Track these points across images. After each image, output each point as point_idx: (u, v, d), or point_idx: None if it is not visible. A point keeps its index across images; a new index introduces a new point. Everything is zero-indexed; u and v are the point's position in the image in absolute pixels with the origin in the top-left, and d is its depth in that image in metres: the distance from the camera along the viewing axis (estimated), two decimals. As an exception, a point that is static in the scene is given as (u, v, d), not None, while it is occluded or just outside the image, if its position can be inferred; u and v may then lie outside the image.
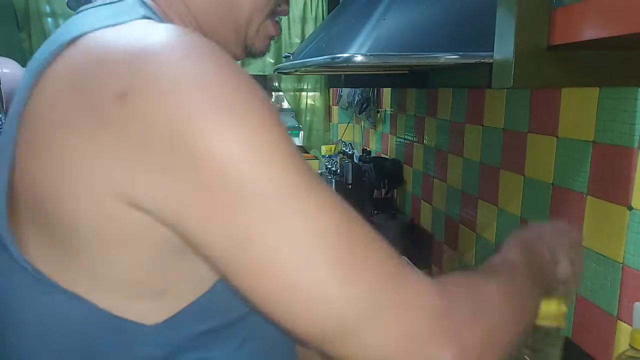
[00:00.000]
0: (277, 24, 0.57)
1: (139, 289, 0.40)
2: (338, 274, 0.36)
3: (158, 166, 0.35)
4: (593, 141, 0.84)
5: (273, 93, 2.97)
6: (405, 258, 1.47)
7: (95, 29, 0.40)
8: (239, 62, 0.54)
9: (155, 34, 0.38)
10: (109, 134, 0.35)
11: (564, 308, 0.59)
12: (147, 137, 0.35)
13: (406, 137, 1.78)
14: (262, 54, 0.57)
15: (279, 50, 2.56)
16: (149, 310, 0.41)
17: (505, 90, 1.10)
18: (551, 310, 0.58)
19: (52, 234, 0.40)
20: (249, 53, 0.56)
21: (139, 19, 0.41)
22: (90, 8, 0.45)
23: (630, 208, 0.76)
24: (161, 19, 0.46)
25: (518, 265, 0.51)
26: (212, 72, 0.36)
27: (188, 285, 0.42)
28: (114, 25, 0.40)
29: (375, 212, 1.75)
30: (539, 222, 0.63)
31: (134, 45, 0.37)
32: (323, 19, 2.54)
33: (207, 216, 0.36)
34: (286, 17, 2.53)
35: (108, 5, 0.44)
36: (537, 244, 0.56)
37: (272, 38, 0.57)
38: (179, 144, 0.34)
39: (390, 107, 1.96)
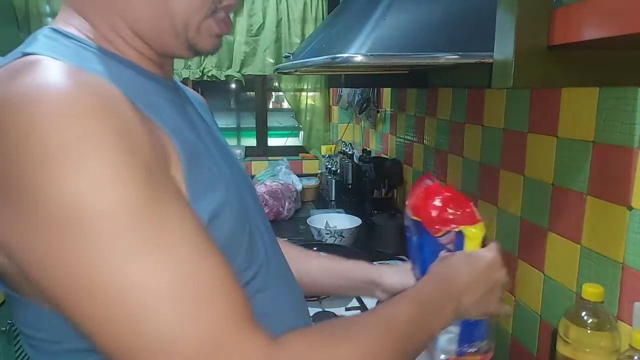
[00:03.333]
0: (225, 21, 0.55)
1: None
2: (178, 314, 0.39)
3: None
4: (593, 141, 0.84)
5: (273, 93, 2.98)
6: (405, 258, 1.47)
7: None
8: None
9: (19, 70, 0.41)
10: None
11: None
12: None
13: (406, 137, 1.78)
14: (210, 52, 0.57)
15: (279, 50, 2.56)
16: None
17: (505, 90, 1.10)
18: None
19: None
20: (196, 52, 0.56)
21: (17, 58, 0.44)
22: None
23: (630, 208, 0.76)
24: (77, 44, 0.49)
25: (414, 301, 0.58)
26: (59, 114, 0.38)
27: None
28: None
29: (375, 212, 1.75)
30: (462, 257, 0.65)
31: None
32: (323, 19, 2.54)
33: (44, 253, 0.38)
34: (286, 17, 2.53)
35: (25, 42, 0.49)
36: (450, 280, 0.61)
37: (219, 36, 0.56)
38: (9, 184, 0.37)
39: (390, 107, 1.96)
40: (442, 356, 0.65)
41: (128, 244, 0.38)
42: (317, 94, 2.74)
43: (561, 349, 0.73)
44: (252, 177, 2.50)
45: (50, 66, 0.42)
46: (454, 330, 0.64)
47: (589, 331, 0.70)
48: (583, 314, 0.71)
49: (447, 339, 0.64)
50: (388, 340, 0.52)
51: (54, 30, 0.50)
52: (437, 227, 0.67)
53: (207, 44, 0.55)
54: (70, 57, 0.45)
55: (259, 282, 0.57)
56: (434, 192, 0.69)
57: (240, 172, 0.64)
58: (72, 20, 0.52)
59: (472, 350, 0.65)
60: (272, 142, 2.92)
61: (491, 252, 0.66)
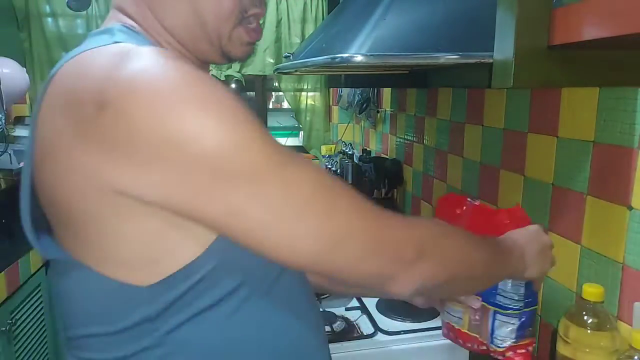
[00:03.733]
0: (254, 29, 0.60)
1: (138, 259, 0.49)
2: (316, 212, 0.47)
3: (139, 160, 0.43)
4: (593, 141, 0.84)
5: (273, 93, 2.98)
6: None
7: (79, 53, 0.48)
8: (237, 63, 0.56)
9: (126, 56, 0.45)
10: (93, 139, 0.44)
11: None
12: (127, 137, 0.43)
13: (406, 137, 1.78)
14: (241, 59, 0.62)
15: (279, 50, 2.56)
16: (145, 274, 0.49)
17: (505, 90, 1.10)
18: None
19: (68, 228, 0.50)
20: (229, 59, 0.60)
21: (109, 44, 0.49)
22: (93, 34, 0.54)
23: (630, 208, 0.76)
24: (144, 39, 0.55)
25: (489, 242, 0.66)
26: (179, 80, 0.44)
27: (177, 254, 0.49)
28: (90, 49, 0.48)
29: (375, 212, 1.74)
30: (515, 230, 0.72)
31: (105, 65, 0.45)
32: (323, 19, 2.54)
33: (195, 193, 0.44)
34: (286, 17, 2.54)
35: (100, 32, 0.53)
36: (509, 244, 0.68)
37: (251, 43, 0.61)
38: (159, 140, 0.42)
39: (390, 107, 1.96)
40: (505, 343, 0.74)
41: (281, 159, 0.47)
42: (317, 94, 2.74)
43: (561, 348, 0.73)
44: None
45: (150, 52, 0.46)
46: (514, 321, 0.73)
47: (589, 331, 0.70)
48: (583, 314, 0.71)
49: (509, 330, 0.74)
50: (476, 256, 0.61)
51: (125, 26, 0.55)
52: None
53: (238, 51, 0.59)
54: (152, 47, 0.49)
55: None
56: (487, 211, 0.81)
57: None
58: (127, 22, 0.56)
59: (526, 334, 0.75)
60: (272, 142, 2.92)
61: (535, 225, 0.74)
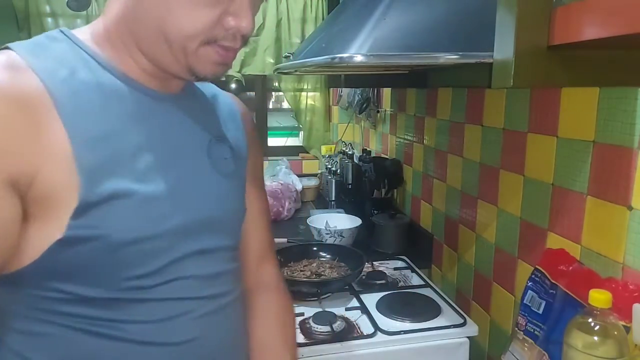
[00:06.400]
0: (224, 49, 0.58)
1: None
2: None
3: None
4: (593, 141, 0.84)
5: (273, 93, 2.97)
6: (405, 258, 1.47)
7: None
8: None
9: None
10: None
11: None
12: None
13: (406, 137, 1.78)
14: (208, 78, 0.61)
15: (279, 50, 2.56)
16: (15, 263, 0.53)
17: (505, 90, 1.10)
18: None
19: None
20: (196, 77, 0.60)
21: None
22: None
23: (630, 208, 0.76)
24: (80, 44, 0.58)
25: None
26: None
27: (27, 247, 0.52)
28: None
29: (375, 212, 1.75)
30: None
31: None
32: (323, 19, 2.54)
33: None
34: (286, 17, 2.53)
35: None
36: None
37: (222, 64, 0.59)
38: None
39: (390, 107, 1.96)
40: None
41: None
42: (317, 94, 2.74)
43: (567, 354, 0.72)
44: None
45: None
46: None
47: (596, 338, 0.69)
48: (590, 320, 0.69)
49: None
50: None
51: (60, 31, 0.58)
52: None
53: (205, 69, 0.59)
54: (31, 53, 0.54)
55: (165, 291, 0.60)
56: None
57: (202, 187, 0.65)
58: (95, 25, 0.60)
59: None
60: (272, 142, 2.92)
61: None
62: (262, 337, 0.77)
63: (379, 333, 1.06)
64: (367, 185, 1.90)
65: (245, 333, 0.74)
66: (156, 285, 0.58)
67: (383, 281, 1.33)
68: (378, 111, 2.10)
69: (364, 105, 2.13)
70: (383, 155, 2.05)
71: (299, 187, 2.27)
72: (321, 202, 2.39)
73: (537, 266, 0.91)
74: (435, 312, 1.14)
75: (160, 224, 0.57)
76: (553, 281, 0.86)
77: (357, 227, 1.63)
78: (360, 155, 2.07)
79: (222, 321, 0.66)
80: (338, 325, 1.08)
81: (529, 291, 0.91)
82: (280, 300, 0.81)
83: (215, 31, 0.56)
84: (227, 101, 0.76)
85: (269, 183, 2.12)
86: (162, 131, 0.61)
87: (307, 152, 2.80)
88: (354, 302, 1.20)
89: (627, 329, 0.68)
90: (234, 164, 0.70)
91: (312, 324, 1.09)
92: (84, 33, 0.60)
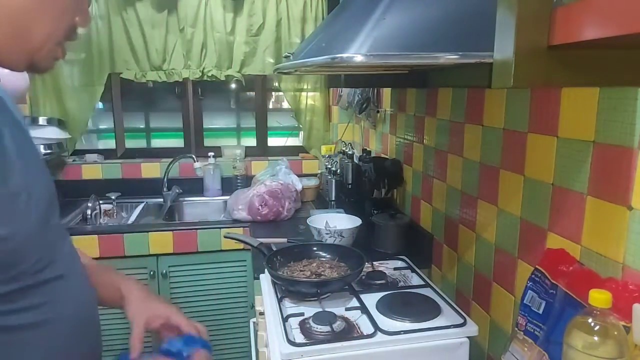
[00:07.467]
0: (64, 50, 0.67)
1: None
2: None
3: None
4: (593, 141, 0.84)
5: (273, 93, 2.97)
6: (405, 258, 1.47)
7: None
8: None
9: None
10: None
11: None
12: None
13: (406, 137, 1.78)
14: (46, 71, 0.67)
15: (279, 50, 2.56)
16: None
17: (505, 90, 1.10)
18: None
19: None
20: (34, 70, 0.66)
21: None
22: None
23: (630, 208, 0.76)
24: None
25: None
26: None
27: None
28: None
29: (375, 212, 1.75)
30: None
31: None
32: (323, 19, 2.54)
33: None
34: (286, 17, 2.54)
35: None
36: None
37: (58, 59, 0.68)
38: None
39: (390, 107, 1.96)
40: None
41: None
42: (317, 94, 2.74)
43: (567, 354, 0.72)
44: (252, 177, 2.50)
45: None
46: None
47: (596, 339, 0.69)
48: (590, 320, 0.69)
49: None
50: None
51: None
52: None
53: (47, 64, 0.66)
54: None
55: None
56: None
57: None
58: None
59: None
60: (272, 142, 2.92)
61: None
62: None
63: (379, 333, 1.06)
64: (367, 185, 1.90)
65: None
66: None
67: (383, 281, 1.33)
68: (378, 111, 2.10)
69: (364, 105, 2.13)
70: (383, 155, 2.05)
71: (299, 187, 2.27)
72: (321, 202, 2.39)
73: (537, 266, 0.91)
74: (435, 312, 1.14)
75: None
76: (553, 281, 0.86)
77: (357, 227, 1.63)
78: (360, 155, 2.07)
79: None
80: (338, 325, 1.08)
81: (529, 291, 0.91)
82: None
83: (71, 32, 0.64)
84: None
85: (269, 183, 2.12)
86: None
87: (307, 152, 2.80)
88: (354, 302, 1.20)
89: (627, 329, 0.68)
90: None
91: (312, 324, 1.09)
92: None
